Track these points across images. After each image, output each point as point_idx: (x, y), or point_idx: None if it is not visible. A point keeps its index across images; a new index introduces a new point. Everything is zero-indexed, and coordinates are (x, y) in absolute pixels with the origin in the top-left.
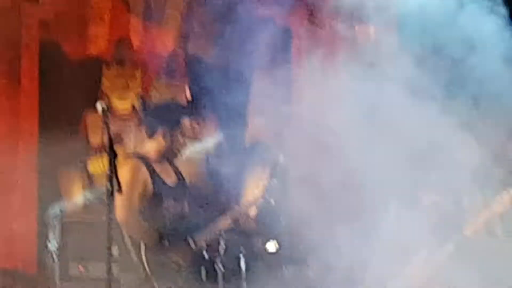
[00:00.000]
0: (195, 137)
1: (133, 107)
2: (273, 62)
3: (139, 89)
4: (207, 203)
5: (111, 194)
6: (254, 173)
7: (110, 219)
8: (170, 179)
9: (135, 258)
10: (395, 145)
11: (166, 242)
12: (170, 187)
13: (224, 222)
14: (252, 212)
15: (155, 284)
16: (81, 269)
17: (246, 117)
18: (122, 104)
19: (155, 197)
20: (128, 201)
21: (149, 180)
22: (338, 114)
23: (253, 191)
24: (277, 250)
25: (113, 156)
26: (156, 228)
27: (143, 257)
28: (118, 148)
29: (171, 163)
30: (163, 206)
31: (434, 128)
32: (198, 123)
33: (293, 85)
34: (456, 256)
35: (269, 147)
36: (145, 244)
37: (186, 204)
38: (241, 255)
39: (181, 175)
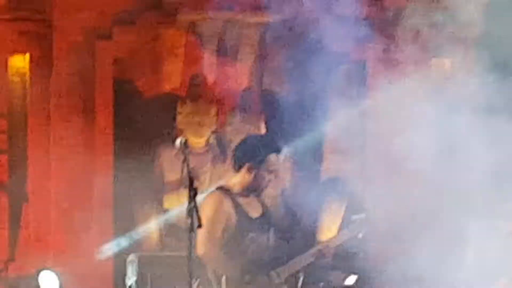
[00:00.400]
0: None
1: (208, 143)
2: (348, 96)
3: (214, 125)
4: (291, 237)
5: (191, 230)
6: (330, 208)
7: (191, 254)
8: (254, 212)
9: None
10: (472, 171)
11: (248, 276)
12: (254, 220)
13: (308, 257)
14: (334, 246)
15: None
16: None
17: (322, 151)
18: (197, 140)
19: (238, 230)
20: (210, 234)
21: (233, 213)
22: (415, 145)
23: (329, 226)
24: (356, 282)
25: (193, 192)
26: (239, 262)
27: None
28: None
29: (257, 196)
30: (247, 239)
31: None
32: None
33: (369, 118)
34: None
35: (346, 181)
36: (227, 278)
37: (270, 237)
38: None
39: (267, 208)
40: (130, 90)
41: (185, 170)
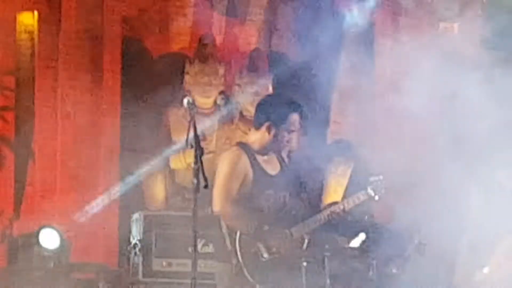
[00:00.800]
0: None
1: (215, 103)
2: (356, 58)
3: (222, 86)
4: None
5: (197, 190)
6: (337, 170)
7: (196, 214)
8: (272, 169)
9: (229, 247)
10: (474, 130)
11: (266, 227)
12: (271, 177)
13: (323, 218)
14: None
15: (246, 274)
16: (165, 264)
17: (329, 113)
18: (204, 101)
19: (255, 186)
20: (227, 190)
21: (250, 170)
22: (421, 107)
23: (336, 188)
24: (362, 244)
25: (199, 151)
26: (255, 218)
27: (237, 245)
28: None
29: (276, 153)
30: (263, 196)
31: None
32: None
33: (377, 81)
34: None
35: (352, 144)
36: (241, 234)
37: (287, 195)
38: (326, 251)
39: (286, 166)
40: (138, 49)
41: (192, 130)
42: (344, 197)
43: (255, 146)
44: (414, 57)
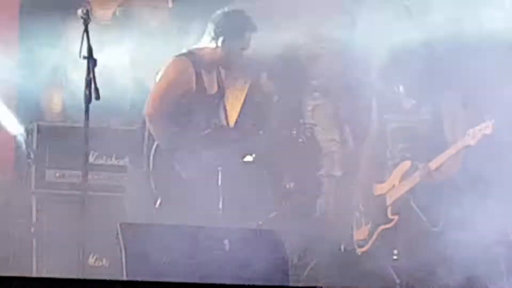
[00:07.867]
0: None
1: (115, 15)
2: None
3: None
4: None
5: (88, 101)
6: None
7: (87, 125)
8: (211, 88)
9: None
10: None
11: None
12: (208, 96)
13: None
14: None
15: (152, 184)
16: (58, 175)
17: None
18: (104, 12)
19: (192, 104)
20: (164, 94)
21: (193, 84)
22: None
23: (233, 103)
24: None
25: (92, 62)
26: (179, 133)
27: (152, 156)
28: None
29: (219, 72)
30: (198, 115)
31: None
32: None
33: None
34: None
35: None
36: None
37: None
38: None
39: (223, 86)
40: None
41: (85, 41)
42: None
43: (206, 59)
44: None
